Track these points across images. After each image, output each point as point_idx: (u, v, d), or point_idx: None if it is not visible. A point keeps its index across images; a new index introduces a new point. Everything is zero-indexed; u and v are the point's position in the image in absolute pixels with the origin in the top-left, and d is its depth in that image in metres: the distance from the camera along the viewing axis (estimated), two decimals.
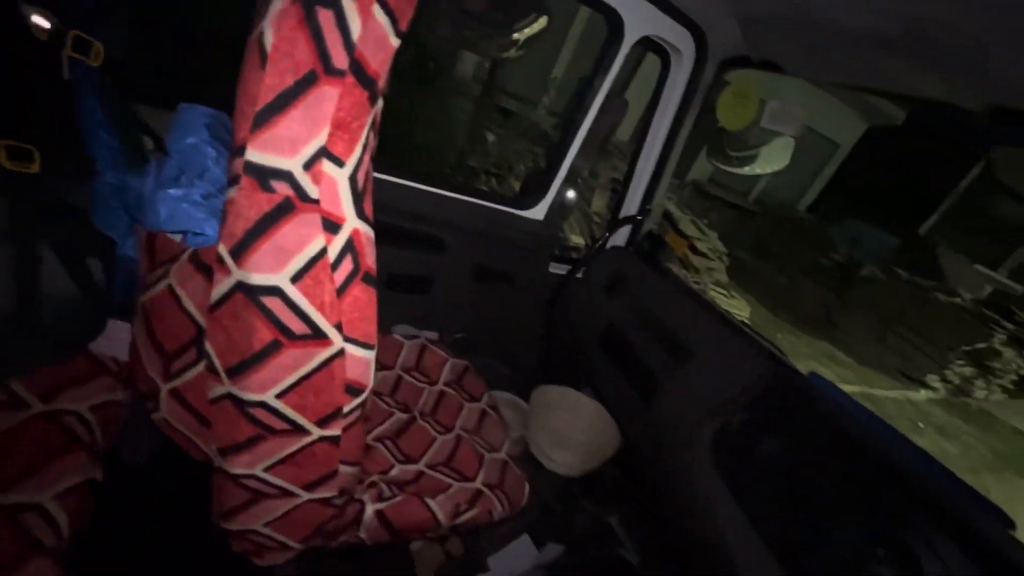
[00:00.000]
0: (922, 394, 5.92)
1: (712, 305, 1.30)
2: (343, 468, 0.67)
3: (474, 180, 4.83)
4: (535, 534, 1.15)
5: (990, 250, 9.23)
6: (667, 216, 5.47)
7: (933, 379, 6.03)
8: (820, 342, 6.21)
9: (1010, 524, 0.75)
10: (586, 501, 1.30)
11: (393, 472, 0.95)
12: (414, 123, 5.19)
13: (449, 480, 0.95)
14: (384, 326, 1.37)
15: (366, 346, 0.59)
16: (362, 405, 0.63)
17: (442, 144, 5.33)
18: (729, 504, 0.86)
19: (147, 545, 0.80)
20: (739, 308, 5.79)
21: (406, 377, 1.18)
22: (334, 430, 0.61)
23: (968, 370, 6.07)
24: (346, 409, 0.61)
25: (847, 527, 0.70)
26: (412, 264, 1.35)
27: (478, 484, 0.96)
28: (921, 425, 5.18)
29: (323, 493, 0.67)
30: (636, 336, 1.28)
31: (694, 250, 5.43)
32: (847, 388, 5.17)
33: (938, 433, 5.18)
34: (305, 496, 0.66)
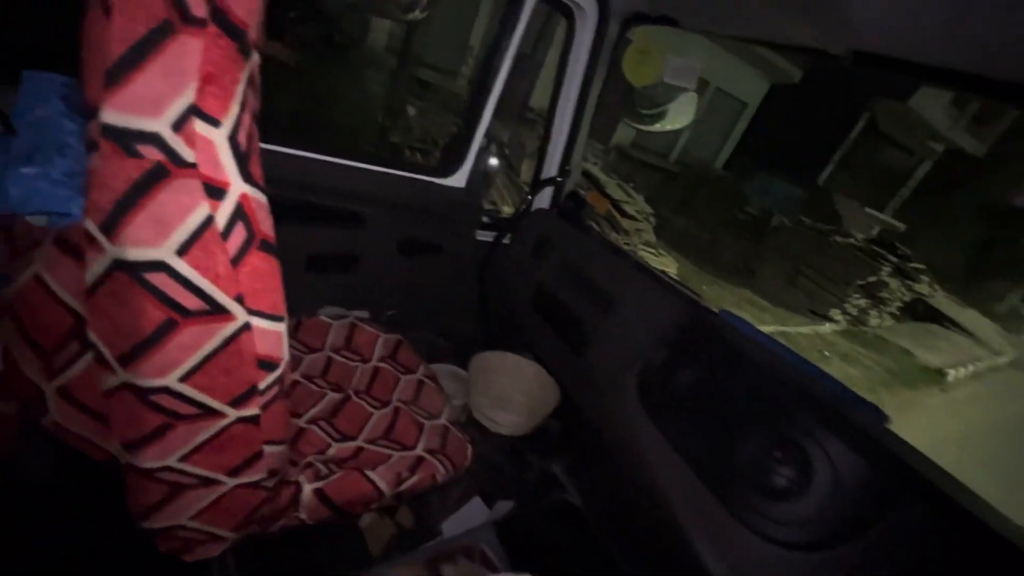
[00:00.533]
0: (827, 327, 6.60)
1: (632, 257, 1.36)
2: (268, 449, 0.65)
3: (399, 157, 4.68)
4: (486, 495, 1.18)
5: (876, 194, 10.32)
6: (594, 180, 5.61)
7: (836, 313, 6.73)
8: (741, 289, 6.71)
9: (885, 418, 0.87)
10: (532, 456, 1.35)
11: (330, 451, 0.93)
12: (329, 99, 4.90)
13: (389, 451, 0.95)
14: (310, 309, 1.32)
15: (274, 318, 0.56)
16: (279, 380, 0.61)
17: (360, 120, 5.09)
18: (654, 436, 0.93)
19: (66, 564, 0.74)
20: (667, 265, 6.12)
21: (336, 357, 1.15)
22: (251, 409, 0.59)
23: (863, 302, 6.83)
24: (262, 386, 0.58)
25: (752, 437, 0.79)
26: (332, 243, 1.30)
27: (419, 451, 0.97)
28: (827, 354, 5.79)
29: (250, 477, 0.65)
30: (565, 294, 1.33)
31: (622, 213, 5.63)
32: (765, 328, 5.65)
33: (842, 360, 5.82)
34: (231, 482, 0.64)
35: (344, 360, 1.15)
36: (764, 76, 8.68)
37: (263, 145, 0.56)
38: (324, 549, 0.91)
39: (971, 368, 7.17)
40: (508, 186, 4.64)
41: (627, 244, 5.63)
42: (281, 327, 0.58)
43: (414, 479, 0.91)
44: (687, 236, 7.33)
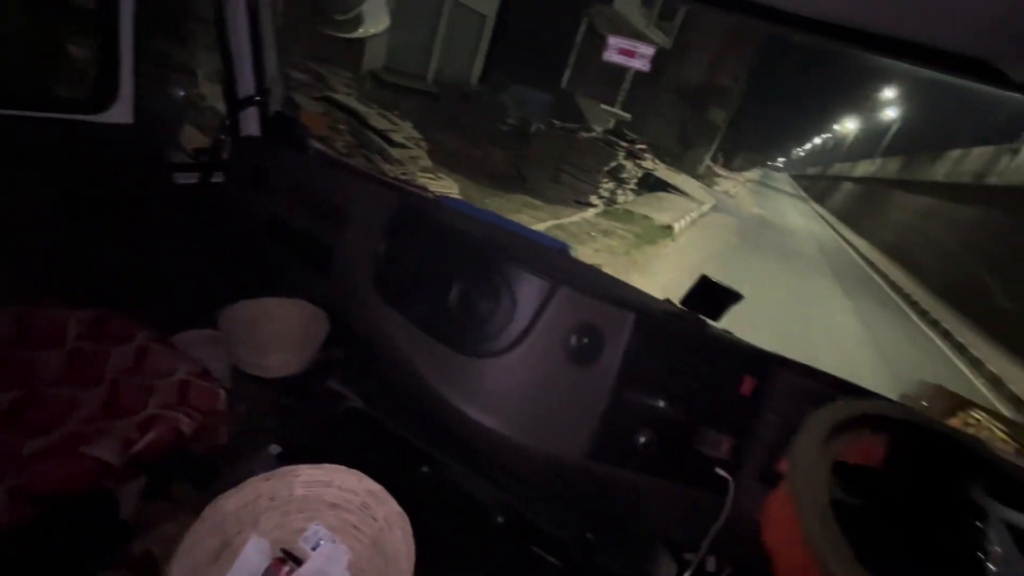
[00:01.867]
0: (591, 212, 7.80)
1: (353, 166, 1.38)
2: None
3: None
4: (285, 440, 1.17)
5: (607, 90, 12.06)
6: (353, 112, 5.28)
7: (594, 199, 7.96)
8: (517, 195, 7.37)
9: (567, 247, 1.12)
10: (313, 381, 1.36)
11: (25, 450, 0.80)
12: None
13: (109, 424, 0.86)
14: None
15: None
16: None
17: None
18: (395, 318, 1.03)
19: None
20: (448, 187, 6.31)
21: (10, 354, 0.94)
22: None
23: (611, 184, 8.21)
24: None
25: (461, 287, 0.93)
26: None
27: (149, 411, 0.89)
28: (593, 234, 6.91)
29: None
30: (300, 219, 1.29)
31: (391, 142, 5.49)
32: (542, 224, 6.43)
33: (604, 236, 7.01)
34: None
35: (17, 356, 0.95)
36: None
37: None
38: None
39: (688, 219, 9.40)
40: (203, 115, 4.02)
41: (404, 173, 5.59)
42: None
43: (149, 437, 0.85)
44: (460, 155, 7.58)
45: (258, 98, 1.37)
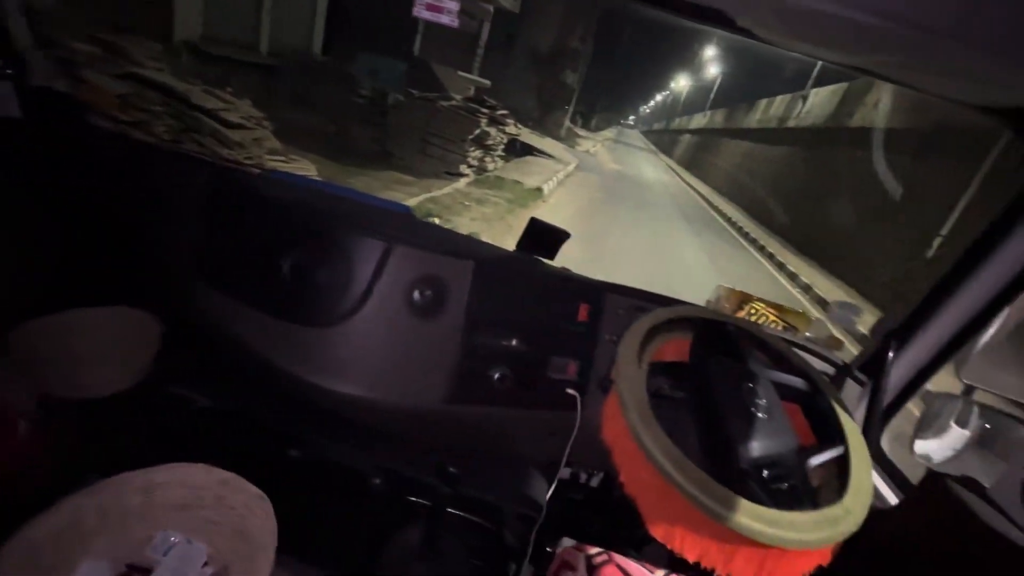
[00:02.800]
0: (462, 182, 7.80)
1: (155, 145, 1.22)
2: None
3: None
4: (116, 461, 1.04)
5: (463, 57, 11.92)
6: (170, 92, 4.56)
7: (464, 168, 7.95)
8: (386, 172, 7.09)
9: (406, 208, 1.12)
10: (151, 392, 1.22)
11: None
12: None
13: None
14: None
15: None
16: None
17: None
18: (224, 300, 0.96)
19: None
20: (305, 169, 5.84)
21: None
22: None
23: (479, 153, 8.25)
24: None
25: (291, 255, 0.90)
26: None
27: None
28: (467, 203, 6.95)
29: None
30: (94, 209, 1.11)
31: (225, 123, 4.87)
32: (414, 199, 6.29)
33: (479, 204, 7.09)
34: None
35: None
36: None
37: None
38: None
39: (555, 180, 9.87)
40: None
41: (248, 157, 5.03)
42: None
43: None
44: (314, 134, 7.03)
45: (8, 71, 1.12)
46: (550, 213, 7.55)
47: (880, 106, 9.29)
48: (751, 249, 10.37)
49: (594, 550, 0.78)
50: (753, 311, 1.20)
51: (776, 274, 8.68)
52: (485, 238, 1.24)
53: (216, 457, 0.81)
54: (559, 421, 1.01)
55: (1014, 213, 0.82)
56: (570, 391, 0.99)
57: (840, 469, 0.80)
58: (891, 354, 0.96)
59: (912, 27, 0.63)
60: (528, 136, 11.57)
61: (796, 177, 12.85)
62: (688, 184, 20.43)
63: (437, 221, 5.74)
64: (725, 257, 8.84)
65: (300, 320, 0.88)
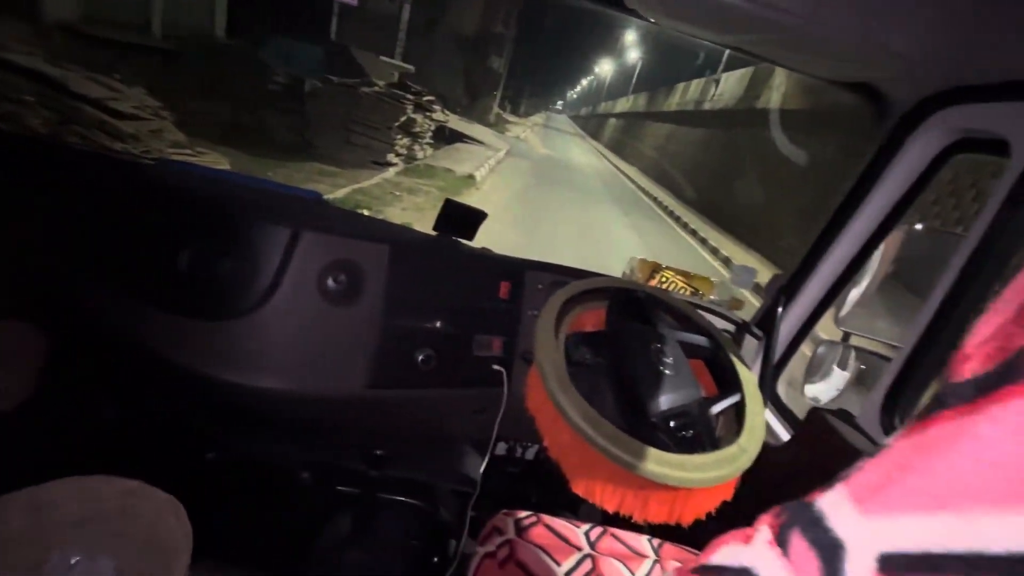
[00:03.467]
0: (391, 172, 7.58)
1: (30, 136, 1.09)
2: None
3: None
4: None
5: (383, 41, 11.48)
6: (41, 79, 4.03)
7: (392, 157, 7.73)
8: (308, 164, 6.74)
9: (317, 195, 1.08)
10: (43, 409, 1.11)
11: None
12: None
13: None
14: None
15: None
16: None
17: None
18: (118, 300, 0.89)
19: None
20: (216, 163, 5.43)
21: None
22: None
23: (406, 140, 8.04)
24: None
25: (188, 246, 0.85)
26: None
27: None
28: (398, 193, 6.78)
29: None
30: None
31: (117, 113, 4.40)
32: (342, 192, 6.04)
33: (410, 194, 6.93)
34: None
35: None
36: None
37: None
38: None
39: (487, 166, 9.84)
40: None
41: (146, 151, 4.58)
42: None
43: None
44: (224, 124, 6.53)
45: None
46: (484, 200, 7.53)
47: (781, 88, 10.08)
48: (676, 226, 10.95)
49: (524, 514, 0.82)
50: (663, 279, 1.29)
51: (699, 248, 9.25)
52: (419, 228, 1.22)
53: (125, 468, 0.76)
54: (488, 397, 1.03)
55: (869, 177, 0.94)
56: (496, 367, 1.01)
57: (738, 414, 0.89)
58: (780, 310, 1.07)
59: (775, 10, 0.70)
60: (457, 123, 11.42)
61: (713, 156, 13.67)
62: (616, 166, 21.13)
63: (367, 213, 5.56)
64: (653, 234, 9.28)
65: (204, 315, 0.83)
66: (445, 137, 10.41)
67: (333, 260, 0.84)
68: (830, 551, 0.16)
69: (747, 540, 0.20)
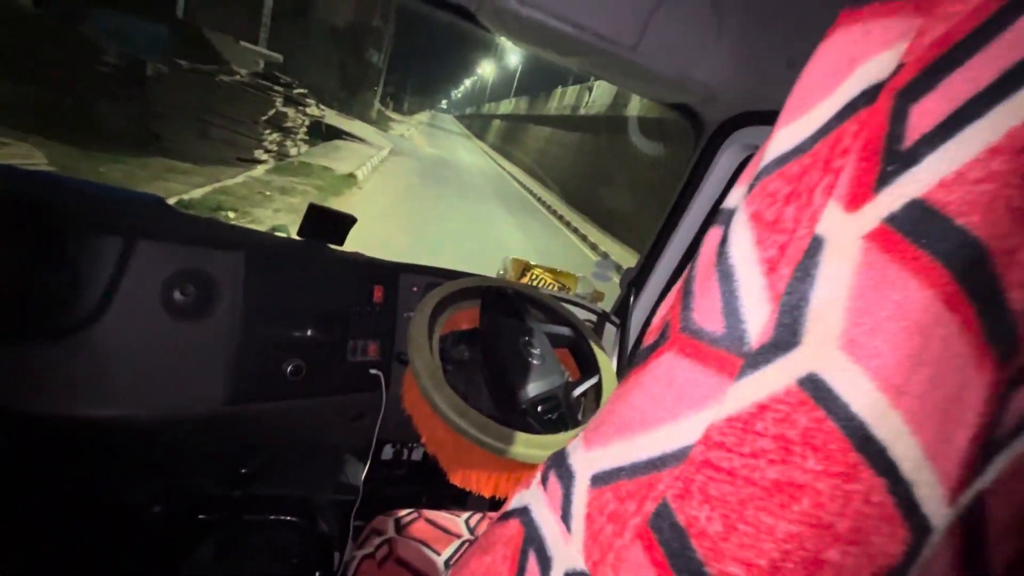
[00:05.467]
0: (260, 170, 6.94)
1: None
2: None
3: None
4: None
5: (246, 27, 10.43)
6: None
7: (260, 154, 7.07)
8: (153, 159, 5.89)
9: (158, 198, 0.97)
10: None
11: None
12: None
13: None
14: None
15: None
16: None
17: None
18: None
19: None
20: (26, 156, 4.53)
21: None
22: None
23: (276, 135, 7.41)
24: None
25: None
26: None
27: None
28: (268, 193, 6.22)
29: None
30: None
31: None
32: (199, 191, 5.37)
33: (283, 194, 6.40)
34: None
35: None
36: None
37: None
38: None
39: (370, 165, 9.47)
40: None
41: None
42: None
43: None
44: (39, 110, 5.45)
45: None
46: (367, 201, 7.23)
47: (639, 100, 11.21)
48: (559, 224, 11.59)
49: (404, 512, 0.84)
50: (533, 276, 1.39)
51: (580, 244, 9.90)
52: (295, 230, 1.13)
53: None
54: (367, 402, 1.02)
55: (693, 182, 1.11)
56: (373, 371, 1.01)
57: (597, 394, 1.00)
58: (632, 299, 1.22)
59: (606, 41, 0.80)
60: (335, 118, 10.81)
61: (589, 160, 14.70)
62: (501, 167, 21.66)
63: (232, 215, 5.02)
64: (536, 232, 9.72)
65: (20, 338, 0.71)
66: (322, 134, 9.80)
67: (178, 270, 0.77)
68: (567, 480, 0.21)
69: (527, 485, 0.25)
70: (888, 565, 0.14)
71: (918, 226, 0.14)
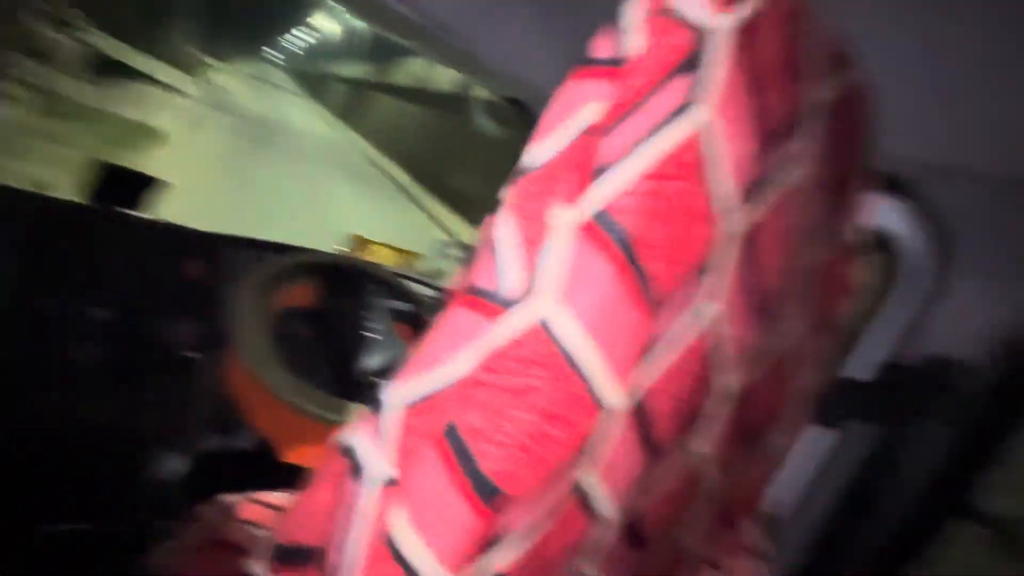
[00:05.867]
0: (6, 109, 5.35)
1: None
2: None
3: None
4: None
5: None
6: None
7: (15, 89, 5.45)
8: None
9: None
10: None
11: None
12: None
13: None
14: None
15: None
16: None
17: None
18: None
19: None
20: None
21: None
22: None
23: (30, 64, 5.77)
24: None
25: None
26: None
27: None
28: (27, 140, 4.88)
29: None
30: None
31: None
32: None
33: (52, 143, 5.08)
34: None
35: None
36: None
37: None
38: None
39: (183, 120, 8.00)
40: None
41: None
42: None
43: None
44: None
45: None
46: (181, 164, 6.09)
47: None
48: (411, 203, 11.36)
49: (230, 498, 0.80)
50: (371, 252, 1.39)
51: (430, 223, 9.87)
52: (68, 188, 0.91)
53: None
54: (184, 386, 0.93)
55: None
56: (188, 354, 0.92)
57: None
58: None
59: (446, 31, 0.84)
60: (128, 54, 8.79)
61: (439, 135, 14.58)
62: (345, 136, 20.20)
63: None
64: (382, 206, 9.40)
65: None
66: (110, 70, 7.90)
67: None
68: (382, 411, 0.27)
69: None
70: (586, 435, 0.23)
71: (603, 221, 0.23)
